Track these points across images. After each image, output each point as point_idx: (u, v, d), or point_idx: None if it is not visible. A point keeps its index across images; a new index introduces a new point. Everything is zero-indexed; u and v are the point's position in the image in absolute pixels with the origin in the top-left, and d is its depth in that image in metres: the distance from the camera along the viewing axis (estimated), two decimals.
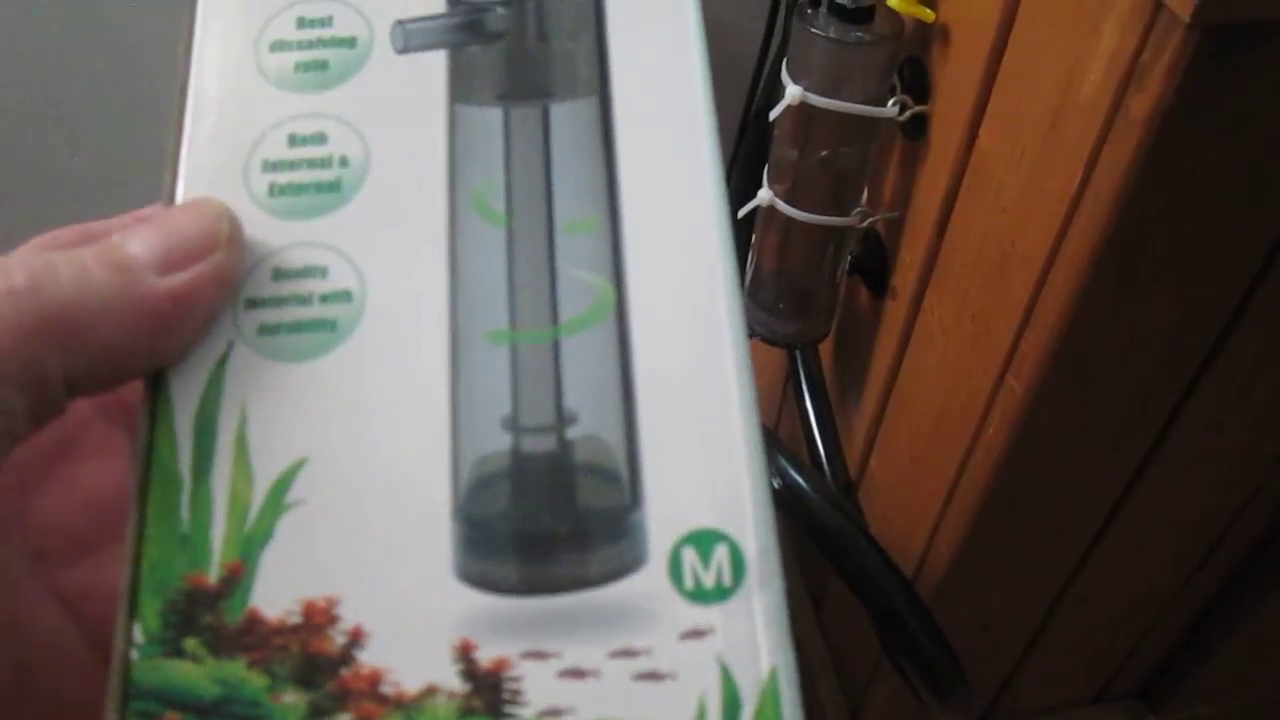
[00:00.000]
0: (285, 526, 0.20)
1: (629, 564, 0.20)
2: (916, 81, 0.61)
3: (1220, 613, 0.77)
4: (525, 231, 0.22)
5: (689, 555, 0.20)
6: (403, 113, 0.23)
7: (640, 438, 0.20)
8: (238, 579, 0.19)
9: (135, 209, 0.25)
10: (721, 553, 0.20)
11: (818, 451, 0.78)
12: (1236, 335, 0.55)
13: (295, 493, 0.20)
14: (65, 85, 0.91)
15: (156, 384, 0.21)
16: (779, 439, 0.82)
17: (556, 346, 0.21)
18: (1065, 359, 0.53)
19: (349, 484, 0.20)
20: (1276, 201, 0.48)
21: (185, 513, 0.20)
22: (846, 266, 0.71)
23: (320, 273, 0.21)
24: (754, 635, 0.19)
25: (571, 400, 0.21)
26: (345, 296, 0.21)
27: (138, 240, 0.20)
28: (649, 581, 0.19)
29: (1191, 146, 0.44)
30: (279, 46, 0.23)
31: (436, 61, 0.23)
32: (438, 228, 0.22)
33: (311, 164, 0.22)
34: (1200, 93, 0.42)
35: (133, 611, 0.19)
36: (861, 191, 0.67)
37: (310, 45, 0.23)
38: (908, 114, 0.61)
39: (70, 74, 0.90)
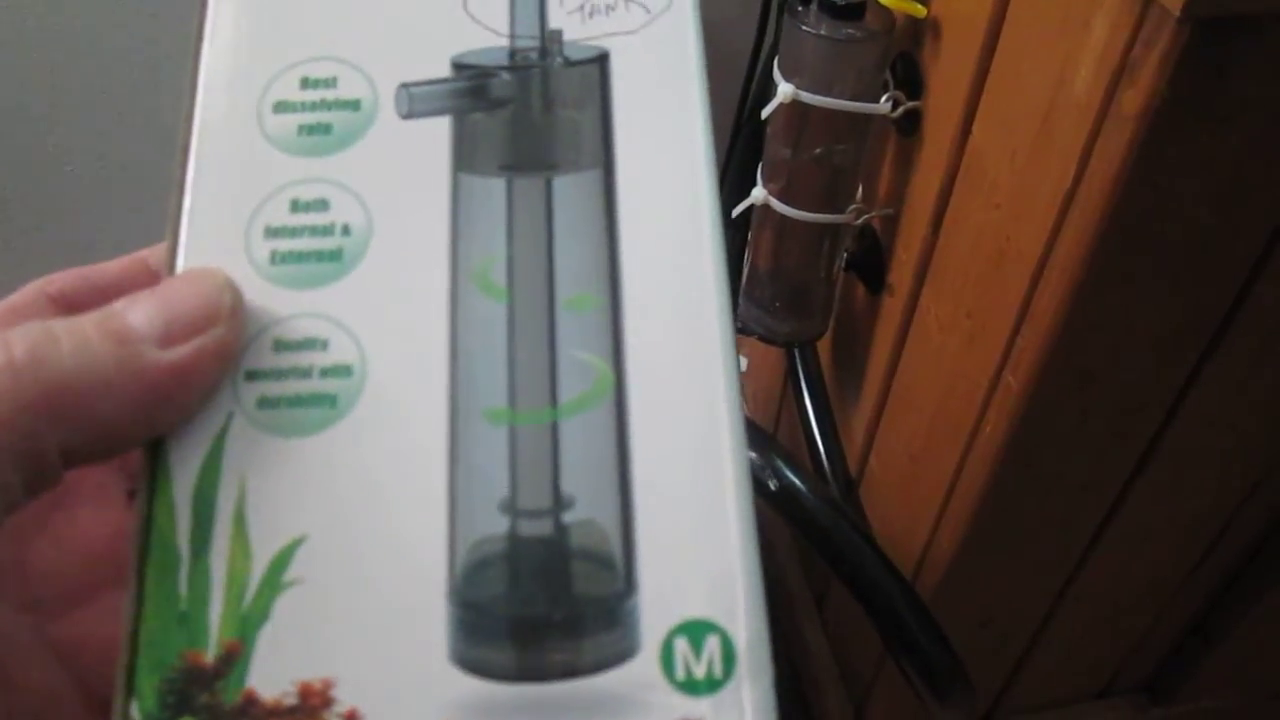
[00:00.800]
0: (282, 606, 0.20)
1: (622, 653, 0.20)
2: (909, 77, 0.61)
3: (1223, 606, 0.77)
4: (526, 308, 0.22)
5: (681, 645, 0.20)
6: (406, 180, 0.23)
7: (636, 524, 0.20)
8: (235, 658, 0.19)
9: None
10: (713, 644, 0.20)
11: (817, 449, 0.78)
12: (1234, 328, 0.54)
13: (293, 571, 0.20)
14: (58, 94, 0.91)
15: (155, 454, 0.21)
16: (777, 440, 0.82)
17: (555, 429, 0.21)
18: (1061, 355, 0.52)
19: (346, 564, 0.20)
20: (1272, 193, 0.48)
21: (183, 589, 0.20)
22: (842, 264, 0.70)
23: (321, 345, 0.21)
24: None
25: (568, 484, 0.21)
26: (345, 371, 0.21)
27: (139, 311, 0.20)
28: (641, 670, 0.20)
29: (1184, 141, 0.44)
30: (282, 107, 0.23)
31: (440, 128, 0.23)
32: (438, 302, 0.22)
33: (313, 231, 0.22)
34: (1192, 86, 0.42)
35: (130, 689, 0.19)
36: (856, 188, 0.66)
37: (314, 107, 0.23)
38: (900, 110, 0.61)
39: (62, 83, 0.90)
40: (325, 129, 0.23)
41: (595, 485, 0.21)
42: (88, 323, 0.20)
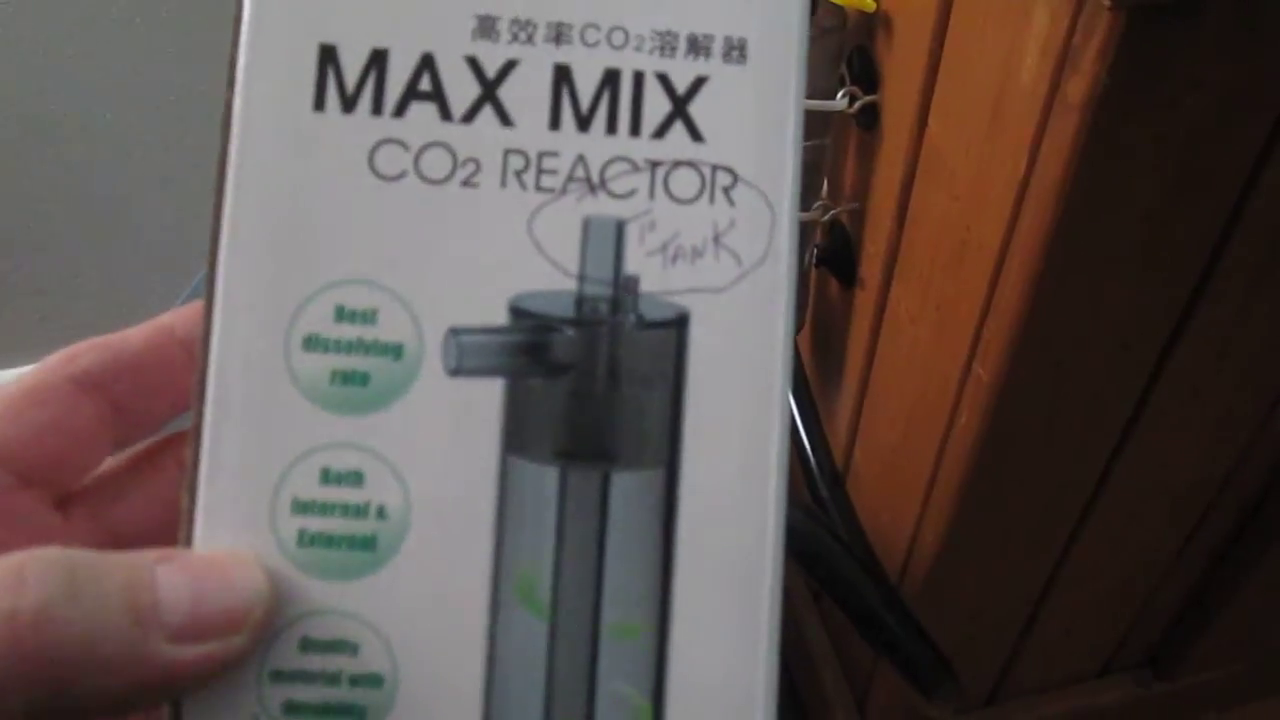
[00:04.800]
0: None
1: None
2: (865, 71, 0.61)
3: (1218, 578, 0.76)
4: (569, 632, 0.21)
5: None
6: (449, 457, 0.20)
7: None
8: None
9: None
10: None
11: (803, 445, 0.78)
12: (1202, 306, 0.54)
13: None
14: (90, 103, 0.91)
15: None
16: None
17: None
18: (1029, 344, 0.52)
19: None
20: (1223, 174, 0.48)
21: None
22: (813, 259, 0.70)
23: (351, 649, 0.20)
24: None
25: None
26: (376, 681, 0.20)
27: (170, 592, 0.19)
28: None
29: (1132, 126, 0.44)
30: (313, 344, 0.20)
31: (491, 393, 0.21)
32: (477, 611, 0.20)
33: (346, 511, 0.20)
34: (1134, 72, 0.41)
35: None
36: (821, 185, 0.66)
37: (350, 348, 0.20)
38: (858, 105, 0.60)
39: (96, 91, 0.90)
40: (362, 379, 0.20)
41: None
42: (114, 585, 0.19)
